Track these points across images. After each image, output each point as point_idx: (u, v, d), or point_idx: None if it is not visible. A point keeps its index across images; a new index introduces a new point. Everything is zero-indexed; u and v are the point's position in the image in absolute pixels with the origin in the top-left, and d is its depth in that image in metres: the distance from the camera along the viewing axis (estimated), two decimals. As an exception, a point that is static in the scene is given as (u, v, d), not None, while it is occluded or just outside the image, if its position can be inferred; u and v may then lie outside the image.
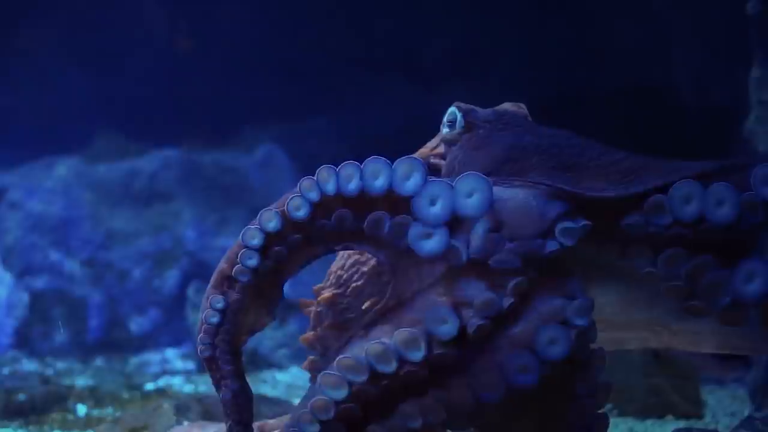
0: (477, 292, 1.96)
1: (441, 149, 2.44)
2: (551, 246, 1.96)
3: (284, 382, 6.37)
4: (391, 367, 1.95)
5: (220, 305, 2.21)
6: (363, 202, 2.03)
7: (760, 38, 4.80)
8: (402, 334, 1.94)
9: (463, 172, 2.11)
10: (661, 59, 7.43)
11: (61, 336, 7.19)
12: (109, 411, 5.13)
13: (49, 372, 6.54)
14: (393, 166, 1.98)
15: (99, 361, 6.88)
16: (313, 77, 8.51)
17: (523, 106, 2.46)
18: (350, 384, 1.96)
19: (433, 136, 2.52)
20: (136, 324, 7.25)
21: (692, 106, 7.08)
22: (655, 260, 1.95)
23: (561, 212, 1.97)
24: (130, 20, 8.68)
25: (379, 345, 1.96)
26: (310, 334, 2.68)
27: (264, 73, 8.40)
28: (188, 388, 6.03)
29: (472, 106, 2.39)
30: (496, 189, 1.98)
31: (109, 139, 8.52)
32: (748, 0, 4.76)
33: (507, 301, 1.95)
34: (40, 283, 7.36)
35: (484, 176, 1.96)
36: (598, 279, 2.10)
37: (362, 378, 1.96)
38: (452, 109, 2.40)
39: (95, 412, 5.10)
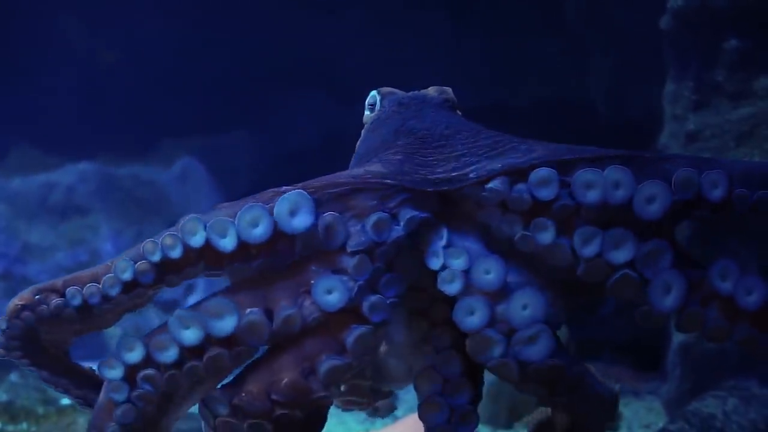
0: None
1: None
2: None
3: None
4: None
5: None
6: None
7: (674, 53, 4.87)
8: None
9: (357, 152, 2.19)
10: (577, 74, 7.51)
11: (-26, 351, 7.09)
12: (23, 426, 5.08)
13: (-37, 388, 6.47)
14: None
15: (14, 377, 6.80)
16: (232, 91, 8.48)
17: (448, 90, 2.43)
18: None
19: (351, 149, 2.52)
20: (52, 338, 7.17)
21: (607, 120, 7.16)
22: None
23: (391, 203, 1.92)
24: (47, 32, 8.60)
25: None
26: None
27: (182, 87, 8.37)
28: (105, 403, 5.98)
29: (392, 90, 2.39)
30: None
31: (24, 152, 8.43)
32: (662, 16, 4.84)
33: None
34: (-47, 297, 7.26)
35: (306, 194, 1.89)
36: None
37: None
38: (373, 92, 2.40)
39: (9, 428, 5.05)
